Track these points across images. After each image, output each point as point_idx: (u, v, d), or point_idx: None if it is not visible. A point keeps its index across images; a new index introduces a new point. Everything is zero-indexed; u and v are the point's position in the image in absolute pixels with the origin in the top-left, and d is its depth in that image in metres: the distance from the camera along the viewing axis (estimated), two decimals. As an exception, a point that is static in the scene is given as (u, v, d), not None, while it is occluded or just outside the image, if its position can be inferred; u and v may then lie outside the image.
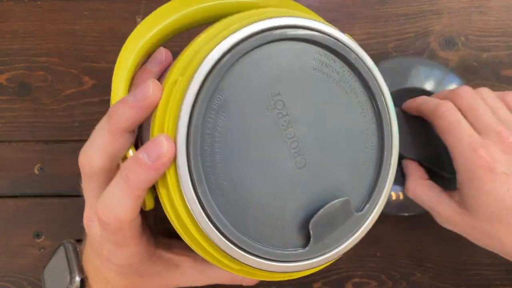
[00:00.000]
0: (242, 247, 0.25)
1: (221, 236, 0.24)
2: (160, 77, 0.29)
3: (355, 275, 0.44)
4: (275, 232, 0.26)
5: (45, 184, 0.43)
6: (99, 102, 0.43)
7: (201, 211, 0.24)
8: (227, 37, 0.25)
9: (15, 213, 0.43)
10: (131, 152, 0.27)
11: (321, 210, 0.26)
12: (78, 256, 0.34)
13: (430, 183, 0.37)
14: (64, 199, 0.43)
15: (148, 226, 0.31)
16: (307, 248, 0.26)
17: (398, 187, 0.40)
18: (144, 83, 0.24)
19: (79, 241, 0.35)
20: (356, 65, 0.27)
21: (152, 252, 0.30)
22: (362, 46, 0.42)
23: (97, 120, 0.33)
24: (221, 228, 0.24)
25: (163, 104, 0.25)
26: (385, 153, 0.28)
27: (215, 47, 0.24)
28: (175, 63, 0.26)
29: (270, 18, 0.25)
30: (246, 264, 0.25)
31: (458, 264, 0.43)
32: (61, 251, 0.34)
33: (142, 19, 0.42)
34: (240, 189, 0.25)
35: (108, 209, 0.25)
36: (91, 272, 0.33)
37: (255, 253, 0.25)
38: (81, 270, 0.33)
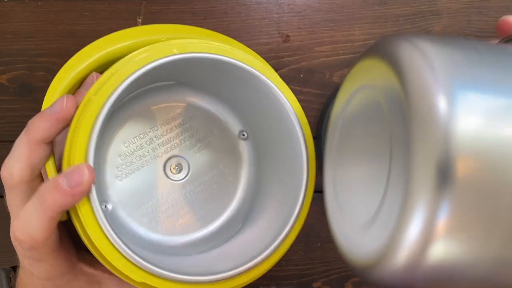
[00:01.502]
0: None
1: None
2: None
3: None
4: None
5: (46, 184, 0.43)
6: (99, 102, 0.43)
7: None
8: (149, 63, 0.26)
9: (16, 212, 0.44)
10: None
11: None
12: (9, 281, 0.32)
13: None
14: (65, 198, 0.44)
15: (69, 238, 0.31)
16: None
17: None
18: (60, 98, 0.27)
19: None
20: None
21: (73, 265, 0.30)
22: (361, 46, 0.43)
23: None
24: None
25: (75, 120, 0.26)
26: None
27: (135, 70, 0.26)
28: (94, 84, 0.27)
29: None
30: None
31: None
32: None
33: (143, 19, 0.43)
34: None
35: (23, 228, 0.26)
36: None
37: None
38: None
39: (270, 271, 0.44)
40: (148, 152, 0.31)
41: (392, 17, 0.43)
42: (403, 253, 0.18)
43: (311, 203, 0.33)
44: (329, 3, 0.43)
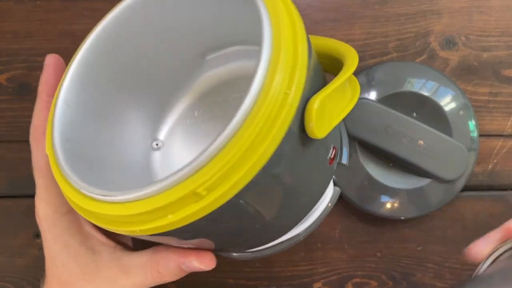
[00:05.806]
0: None
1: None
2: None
3: (356, 275, 0.44)
4: None
5: (45, 184, 0.43)
6: (99, 102, 0.43)
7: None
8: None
9: (15, 213, 0.43)
10: None
11: None
12: None
13: None
14: (64, 199, 0.43)
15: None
16: None
17: (389, 197, 0.41)
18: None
19: None
20: None
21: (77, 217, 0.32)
22: (362, 46, 0.43)
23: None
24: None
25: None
26: None
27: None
28: None
29: None
30: None
31: (458, 264, 0.43)
32: None
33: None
34: None
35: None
36: None
37: None
38: None
39: (270, 272, 0.44)
40: (207, 112, 0.37)
41: (393, 17, 0.43)
42: None
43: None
44: (330, 2, 0.43)
